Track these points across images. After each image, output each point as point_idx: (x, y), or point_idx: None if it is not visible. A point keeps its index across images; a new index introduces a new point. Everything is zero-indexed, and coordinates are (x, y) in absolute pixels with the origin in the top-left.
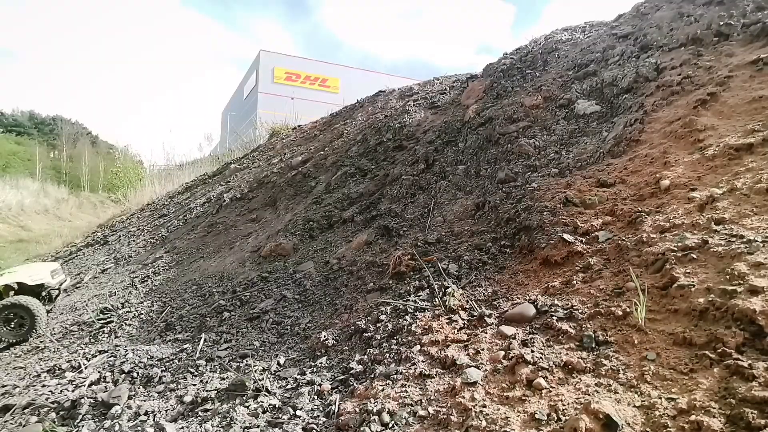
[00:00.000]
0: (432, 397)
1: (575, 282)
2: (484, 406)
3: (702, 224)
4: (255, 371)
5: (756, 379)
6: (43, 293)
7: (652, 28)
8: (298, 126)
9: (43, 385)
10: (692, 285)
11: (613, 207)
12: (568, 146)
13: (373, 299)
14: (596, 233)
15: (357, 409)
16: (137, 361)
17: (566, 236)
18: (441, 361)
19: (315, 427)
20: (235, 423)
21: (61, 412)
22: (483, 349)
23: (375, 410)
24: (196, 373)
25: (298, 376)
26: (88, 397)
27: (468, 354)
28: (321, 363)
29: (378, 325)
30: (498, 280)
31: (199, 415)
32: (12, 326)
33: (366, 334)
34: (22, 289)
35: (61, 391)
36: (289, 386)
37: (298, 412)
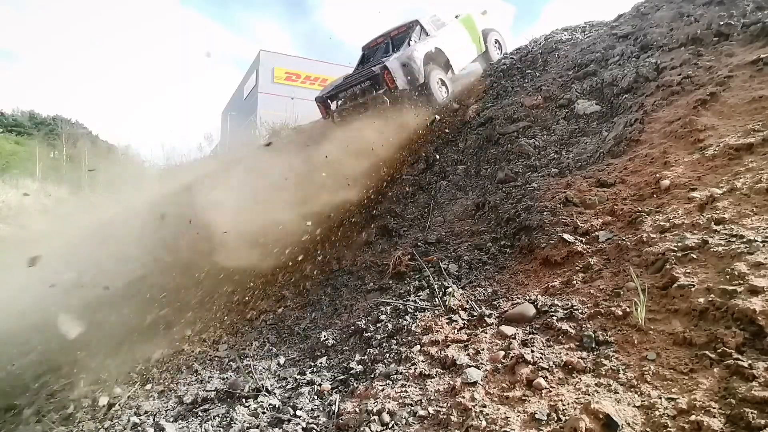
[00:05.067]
0: (432, 397)
1: (575, 282)
2: (484, 406)
3: (702, 224)
4: (255, 371)
5: (756, 379)
6: None
7: (652, 28)
8: (298, 126)
9: (44, 385)
10: (692, 285)
11: (613, 207)
12: (568, 146)
13: (373, 299)
14: (596, 233)
15: (357, 409)
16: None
17: (566, 236)
18: (441, 361)
19: (315, 427)
20: (235, 423)
21: (61, 412)
22: (483, 349)
23: (375, 410)
24: (196, 373)
25: (298, 376)
26: (88, 397)
27: (468, 354)
28: (321, 363)
29: (378, 325)
30: (498, 280)
31: (199, 415)
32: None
33: (366, 334)
34: None
35: (61, 391)
36: (289, 386)
37: (298, 412)
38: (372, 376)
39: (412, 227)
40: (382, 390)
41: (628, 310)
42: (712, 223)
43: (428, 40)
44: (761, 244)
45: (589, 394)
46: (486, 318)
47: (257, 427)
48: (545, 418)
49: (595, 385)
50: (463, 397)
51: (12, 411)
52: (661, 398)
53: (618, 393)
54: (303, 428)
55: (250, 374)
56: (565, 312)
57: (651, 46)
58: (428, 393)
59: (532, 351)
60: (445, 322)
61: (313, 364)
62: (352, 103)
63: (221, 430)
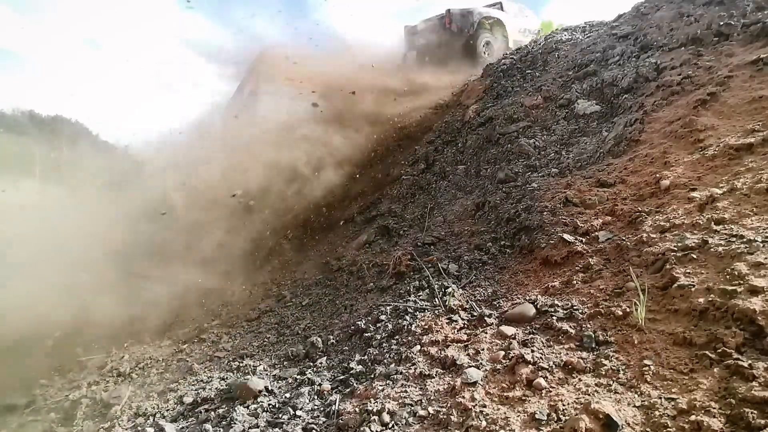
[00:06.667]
0: (432, 397)
1: (575, 282)
2: (484, 406)
3: (702, 224)
4: (255, 371)
5: (756, 379)
6: None
7: (652, 28)
8: None
9: (44, 385)
10: (692, 285)
11: (613, 207)
12: (568, 146)
13: (373, 299)
14: (596, 233)
15: (357, 409)
16: (137, 362)
17: (566, 236)
18: (441, 361)
19: (315, 427)
20: (235, 423)
21: (61, 412)
22: (483, 349)
23: (375, 410)
24: (195, 373)
25: (298, 376)
26: (88, 397)
27: (468, 354)
28: (321, 363)
29: (378, 325)
30: (498, 280)
31: (199, 415)
32: None
33: (366, 334)
34: None
35: (61, 391)
36: (289, 386)
37: (298, 412)
38: (372, 376)
39: (412, 227)
40: (382, 390)
41: (628, 310)
42: (712, 223)
43: (496, 12)
44: (761, 244)
45: (589, 394)
46: (486, 318)
47: (257, 427)
48: (545, 418)
49: (595, 385)
50: (463, 397)
51: (12, 410)
52: (661, 398)
53: (618, 393)
54: (303, 428)
55: (250, 374)
56: (565, 312)
57: (651, 46)
58: (428, 393)
59: (532, 351)
60: (445, 322)
61: (313, 364)
62: (418, 35)
63: (221, 430)
